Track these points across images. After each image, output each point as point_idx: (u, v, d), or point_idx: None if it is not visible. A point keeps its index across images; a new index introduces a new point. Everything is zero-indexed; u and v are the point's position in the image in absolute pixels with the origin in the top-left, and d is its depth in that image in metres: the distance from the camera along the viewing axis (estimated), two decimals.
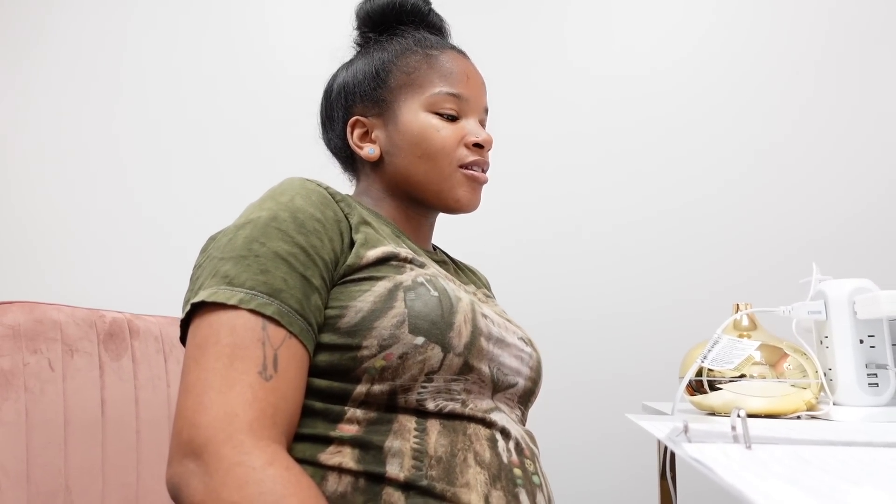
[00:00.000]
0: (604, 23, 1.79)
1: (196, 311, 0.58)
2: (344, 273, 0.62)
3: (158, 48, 1.87)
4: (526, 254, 1.70)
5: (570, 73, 1.78)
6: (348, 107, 0.79)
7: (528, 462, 0.63)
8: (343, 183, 0.85)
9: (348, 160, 0.83)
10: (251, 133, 1.82)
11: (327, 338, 0.60)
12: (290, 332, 0.57)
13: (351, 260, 0.63)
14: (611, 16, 1.79)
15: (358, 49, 0.85)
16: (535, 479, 0.62)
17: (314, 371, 0.60)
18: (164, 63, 1.87)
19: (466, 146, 0.75)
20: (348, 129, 0.79)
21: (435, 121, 0.74)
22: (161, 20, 1.89)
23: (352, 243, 0.65)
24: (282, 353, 0.56)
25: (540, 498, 0.62)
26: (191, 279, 0.63)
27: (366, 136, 0.78)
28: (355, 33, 0.85)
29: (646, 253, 1.67)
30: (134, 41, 1.88)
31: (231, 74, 1.85)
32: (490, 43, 1.79)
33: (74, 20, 1.90)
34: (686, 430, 0.46)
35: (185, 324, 0.60)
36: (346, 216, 0.66)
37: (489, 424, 0.62)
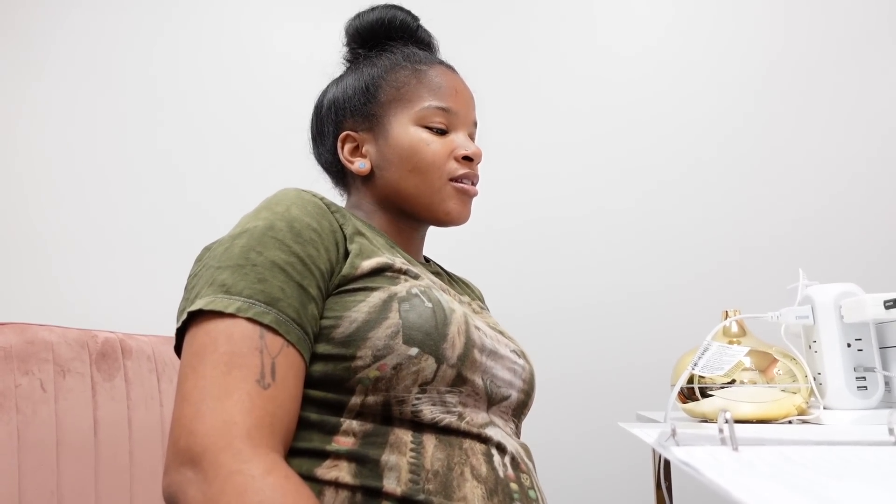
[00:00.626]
0: (598, 28, 1.82)
1: (192, 319, 0.58)
2: (339, 283, 0.63)
3: (152, 65, 1.88)
4: (517, 266, 1.71)
5: (562, 79, 1.80)
6: (339, 122, 0.80)
7: (524, 476, 0.63)
8: (334, 198, 0.85)
9: (339, 175, 0.83)
10: (242, 150, 1.82)
11: (322, 348, 0.60)
12: (288, 341, 0.57)
13: (346, 270, 0.63)
14: (605, 21, 1.82)
15: (347, 65, 0.86)
16: (531, 493, 0.62)
17: (309, 382, 0.60)
18: (157, 80, 1.88)
19: (456, 159, 0.76)
20: (339, 144, 0.80)
21: (425, 135, 0.75)
22: (152, 36, 1.90)
23: (346, 253, 0.65)
24: (279, 362, 0.56)
25: None
26: (185, 289, 0.63)
27: (356, 151, 0.79)
28: (345, 49, 0.87)
29: (635, 262, 1.68)
30: (124, 57, 1.89)
31: (224, 91, 1.86)
32: (479, 57, 1.81)
33: (59, 37, 1.91)
34: (674, 433, 0.46)
35: (181, 333, 0.60)
36: (340, 227, 0.67)
37: (485, 440, 0.62)
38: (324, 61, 0.89)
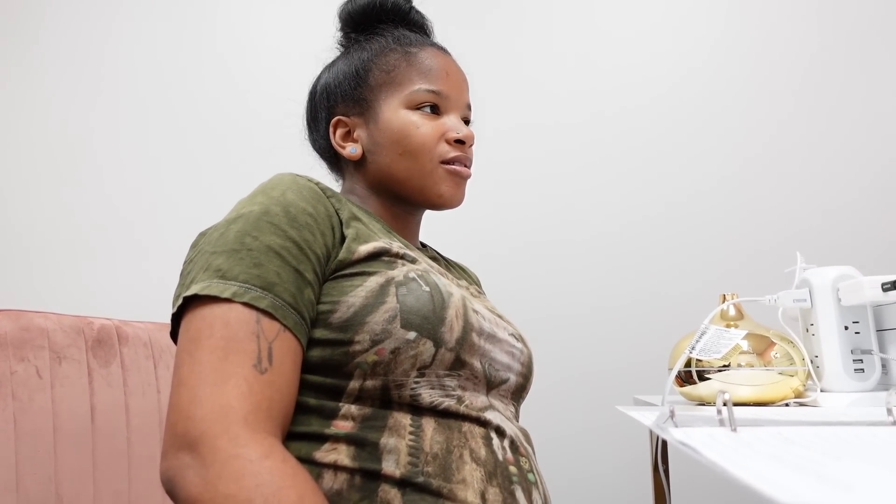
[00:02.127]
0: (595, 8, 1.80)
1: (188, 305, 0.57)
2: (335, 268, 0.63)
3: (146, 52, 1.87)
4: (515, 251, 1.70)
5: (561, 60, 1.79)
6: (331, 107, 0.80)
7: (523, 460, 0.63)
8: (330, 183, 0.85)
9: (333, 160, 0.83)
10: (237, 137, 1.81)
11: (319, 333, 0.60)
12: (285, 326, 0.57)
13: (342, 255, 0.63)
14: (601, 8, 1.81)
15: (342, 50, 0.85)
16: (530, 476, 0.63)
17: (307, 367, 0.60)
18: (152, 67, 1.86)
19: (447, 142, 0.75)
20: (331, 130, 0.79)
21: (415, 118, 0.75)
22: (147, 23, 1.88)
23: (343, 238, 0.65)
24: (276, 347, 0.56)
25: (536, 495, 0.62)
26: (181, 275, 0.63)
27: (348, 136, 0.79)
28: (339, 35, 0.86)
29: (633, 246, 1.68)
30: (120, 44, 1.87)
31: (219, 79, 1.85)
32: (476, 38, 1.80)
33: (51, 26, 1.89)
34: (672, 415, 0.46)
35: (177, 318, 0.59)
36: (336, 211, 0.67)
37: (484, 423, 0.62)
38: (321, 46, 0.88)
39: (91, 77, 1.86)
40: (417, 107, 0.75)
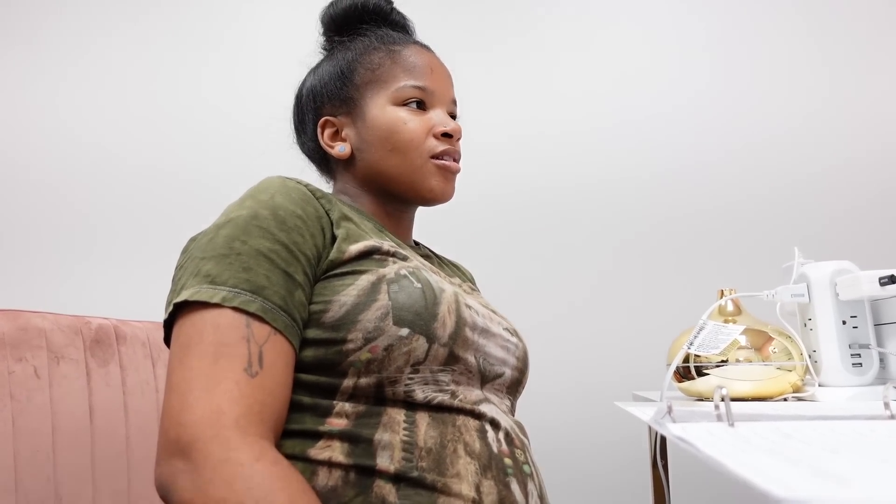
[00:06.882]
0: (594, 12, 1.80)
1: (179, 311, 0.58)
2: (327, 268, 0.63)
3: (146, 52, 1.86)
4: (511, 247, 1.70)
5: (559, 67, 1.78)
6: (317, 108, 0.81)
7: (518, 452, 0.63)
8: (321, 186, 0.85)
9: (323, 161, 0.83)
10: (236, 137, 1.81)
11: (312, 333, 0.60)
12: (275, 329, 0.57)
13: (333, 255, 0.63)
14: (599, 7, 1.80)
15: (325, 53, 0.86)
16: (525, 468, 0.63)
17: (301, 366, 0.60)
18: (152, 67, 1.85)
19: (435, 136, 0.76)
20: (318, 130, 0.80)
21: (402, 113, 0.75)
22: (147, 22, 1.87)
23: (333, 238, 0.65)
24: (267, 350, 0.56)
25: (531, 487, 0.62)
26: (172, 280, 0.63)
27: (336, 136, 0.79)
28: (322, 39, 0.86)
29: (630, 242, 1.68)
30: (120, 45, 1.87)
31: (219, 79, 1.84)
32: (467, 29, 1.79)
33: (49, 25, 1.88)
34: (670, 410, 0.46)
35: (169, 325, 0.60)
36: (326, 212, 0.67)
37: (478, 416, 0.62)
38: (306, 51, 0.88)
39: (90, 77, 1.86)
40: (404, 103, 0.76)
